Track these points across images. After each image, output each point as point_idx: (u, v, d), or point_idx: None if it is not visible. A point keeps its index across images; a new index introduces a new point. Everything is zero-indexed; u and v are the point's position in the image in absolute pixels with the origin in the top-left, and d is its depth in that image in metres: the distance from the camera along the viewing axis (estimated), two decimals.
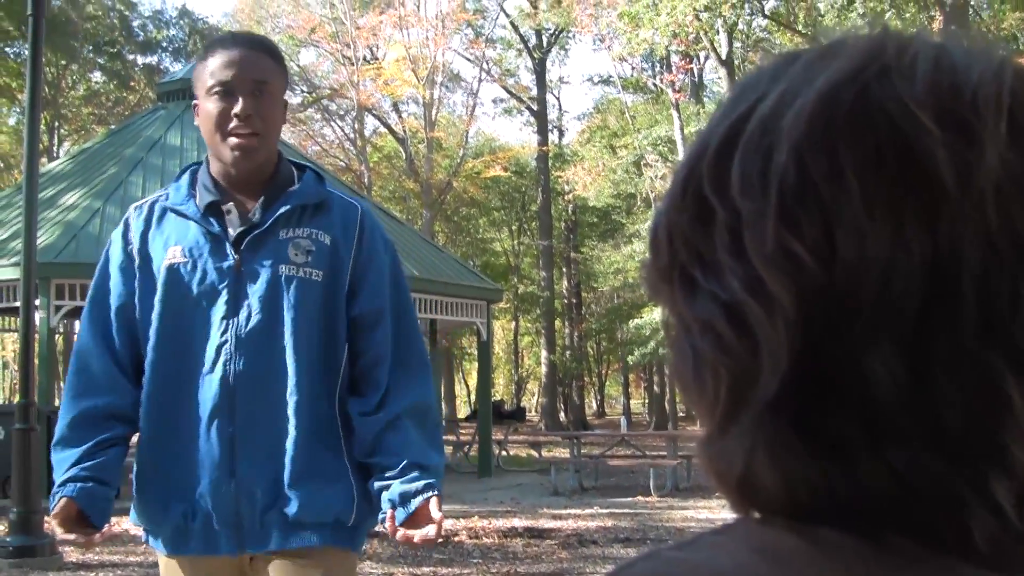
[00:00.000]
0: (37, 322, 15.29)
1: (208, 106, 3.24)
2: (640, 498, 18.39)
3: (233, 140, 3.22)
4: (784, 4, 35.30)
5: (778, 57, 0.77)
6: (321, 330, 3.28)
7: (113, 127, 31.01)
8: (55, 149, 44.61)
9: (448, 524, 15.17)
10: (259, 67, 3.26)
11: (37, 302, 14.77)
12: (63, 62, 43.32)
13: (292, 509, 3.21)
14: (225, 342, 3.21)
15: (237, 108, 3.20)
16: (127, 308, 3.32)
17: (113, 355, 3.32)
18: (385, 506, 3.23)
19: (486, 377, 26.10)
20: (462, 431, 28.70)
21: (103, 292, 3.36)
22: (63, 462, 3.23)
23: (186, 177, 3.40)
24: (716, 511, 16.06)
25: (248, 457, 3.21)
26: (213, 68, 3.23)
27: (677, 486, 19.45)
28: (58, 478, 3.21)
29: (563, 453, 27.02)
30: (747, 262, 0.70)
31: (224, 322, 3.21)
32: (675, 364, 0.78)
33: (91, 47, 44.12)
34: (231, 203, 3.30)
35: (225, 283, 3.23)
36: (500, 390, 67.36)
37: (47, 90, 36.70)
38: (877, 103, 0.69)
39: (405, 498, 3.20)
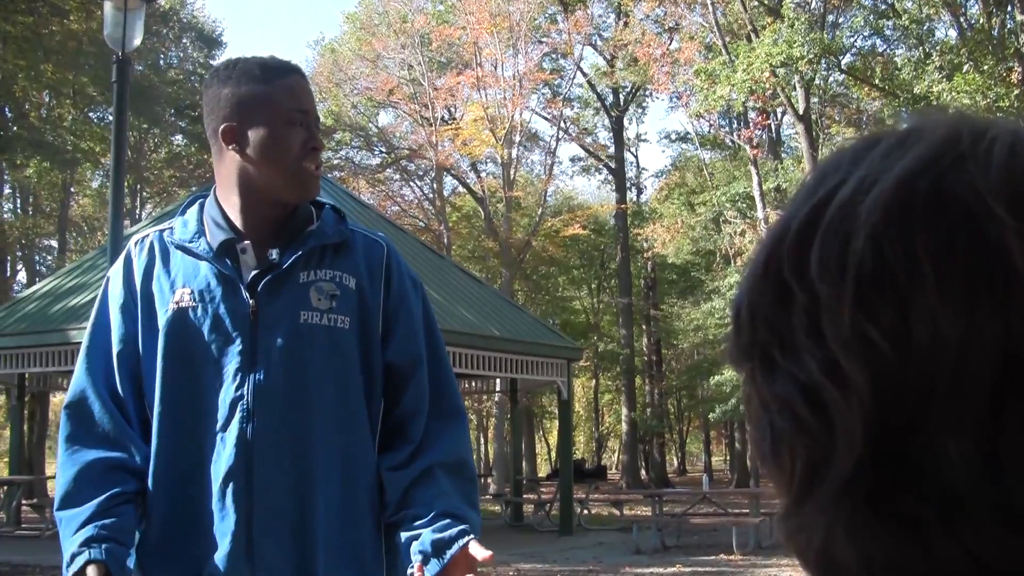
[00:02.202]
0: None
1: (285, 131, 2.91)
2: (723, 556, 18.23)
3: (309, 171, 2.93)
4: (861, 59, 35.22)
5: (859, 141, 0.79)
6: (357, 384, 2.94)
7: (194, 189, 31.42)
8: (138, 211, 45.34)
9: None
10: (313, 99, 3.05)
11: None
12: (145, 126, 44.05)
13: None
14: (241, 396, 2.84)
15: (315, 141, 2.95)
16: (130, 353, 2.95)
17: (117, 404, 2.94)
18: (414, 558, 2.80)
19: (567, 436, 26.10)
20: (543, 490, 28.64)
21: (103, 334, 2.99)
22: (73, 520, 2.81)
23: (194, 211, 3.06)
24: (799, 570, 15.84)
25: (270, 533, 2.82)
26: (291, 92, 2.95)
27: (760, 544, 19.23)
28: (70, 537, 2.79)
29: (645, 511, 26.88)
30: (824, 345, 0.71)
31: (239, 374, 2.85)
32: (754, 439, 0.80)
33: (173, 111, 44.82)
34: (247, 243, 2.96)
35: (240, 331, 2.87)
36: (581, 448, 67.10)
37: (130, 154, 37.26)
38: (952, 192, 0.70)
39: (439, 548, 2.77)
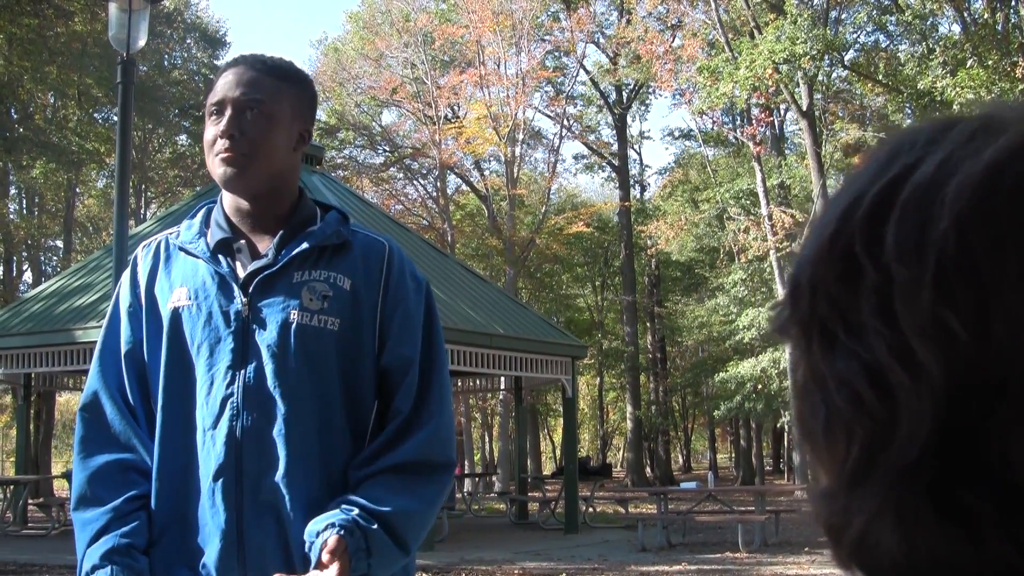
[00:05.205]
0: None
1: (207, 128, 2.97)
2: (729, 554, 18.23)
3: (218, 159, 2.90)
4: (864, 55, 35.23)
5: (932, 122, 0.77)
6: (337, 388, 2.91)
7: (199, 189, 31.45)
8: (142, 211, 45.38)
9: None
10: (253, 85, 2.94)
11: None
12: (150, 126, 44.09)
13: None
14: (231, 395, 2.84)
15: (220, 128, 2.91)
16: (136, 355, 2.99)
17: (127, 405, 2.98)
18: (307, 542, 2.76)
19: (571, 433, 26.07)
20: (548, 488, 28.61)
21: (114, 338, 3.04)
22: (91, 523, 2.84)
23: (200, 214, 3.10)
24: (806, 567, 15.88)
25: (258, 526, 2.83)
26: (217, 87, 2.98)
27: (766, 541, 19.24)
28: (86, 542, 2.84)
29: (650, 509, 26.87)
30: (895, 327, 0.69)
31: (230, 372, 2.86)
32: (802, 414, 0.78)
33: (177, 111, 44.88)
34: (242, 241, 3.00)
35: (231, 329, 2.89)
36: (585, 446, 67.12)
37: (134, 154, 37.27)
38: None
39: (309, 537, 2.72)
